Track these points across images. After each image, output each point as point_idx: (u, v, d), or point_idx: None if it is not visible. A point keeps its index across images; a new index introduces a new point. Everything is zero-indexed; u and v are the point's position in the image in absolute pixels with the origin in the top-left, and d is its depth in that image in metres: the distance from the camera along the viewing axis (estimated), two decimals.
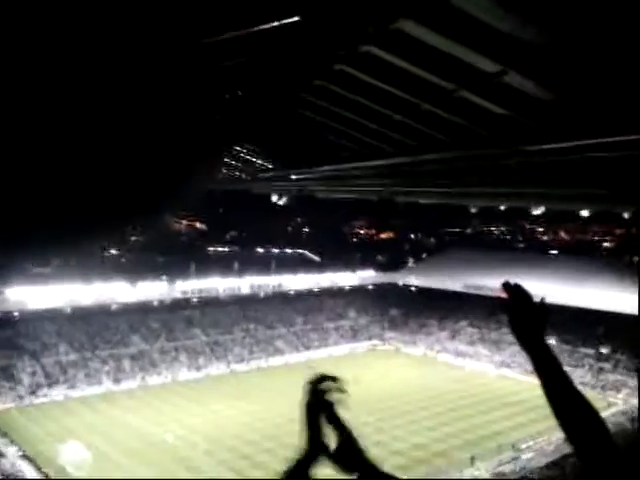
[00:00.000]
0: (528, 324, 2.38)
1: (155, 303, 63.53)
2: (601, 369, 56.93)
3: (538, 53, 4.83)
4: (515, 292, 2.47)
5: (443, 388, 55.12)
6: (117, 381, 54.39)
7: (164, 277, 64.03)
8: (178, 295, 64.61)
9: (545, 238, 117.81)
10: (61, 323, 58.09)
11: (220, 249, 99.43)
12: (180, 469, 35.54)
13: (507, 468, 37.27)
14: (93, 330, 59.51)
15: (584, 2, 4.12)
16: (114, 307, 60.62)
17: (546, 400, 2.29)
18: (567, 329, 63.59)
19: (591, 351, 60.33)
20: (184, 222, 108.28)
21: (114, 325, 60.96)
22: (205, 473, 35.47)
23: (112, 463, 36.24)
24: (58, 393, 50.80)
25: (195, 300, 66.21)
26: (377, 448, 40.01)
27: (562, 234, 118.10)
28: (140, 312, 62.62)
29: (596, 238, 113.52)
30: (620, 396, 52.06)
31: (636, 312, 54.64)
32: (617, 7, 4.01)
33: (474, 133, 6.96)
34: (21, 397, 49.01)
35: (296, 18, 5.08)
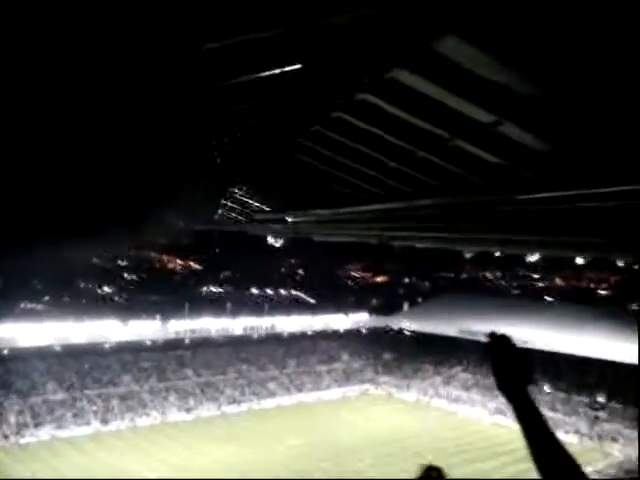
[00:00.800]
0: (509, 373, 2.41)
1: (147, 342, 62.87)
2: (597, 418, 56.23)
3: (534, 105, 4.88)
4: (497, 342, 2.47)
5: (437, 435, 54.31)
6: (105, 421, 53.42)
7: (157, 316, 63.56)
8: (171, 335, 64.01)
9: (540, 285, 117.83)
10: (51, 361, 57.33)
11: (214, 289, 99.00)
12: None
13: None
14: (83, 369, 58.73)
15: (581, 58, 4.18)
16: (105, 346, 59.94)
17: (526, 447, 2.30)
18: (561, 376, 63.14)
19: (586, 399, 59.69)
20: (179, 262, 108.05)
21: (105, 364, 60.22)
22: None
23: None
24: (45, 433, 49.83)
25: (187, 340, 65.59)
26: None
27: (557, 281, 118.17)
28: (132, 351, 61.97)
29: (591, 285, 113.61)
30: (616, 446, 51.31)
31: (631, 360, 54.38)
32: (613, 63, 4.07)
33: (469, 181, 6.99)
34: (6, 437, 48.03)
35: (297, 66, 5.16)
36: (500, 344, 2.45)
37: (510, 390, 2.39)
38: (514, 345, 2.46)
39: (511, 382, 2.39)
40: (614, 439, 52.50)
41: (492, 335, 2.48)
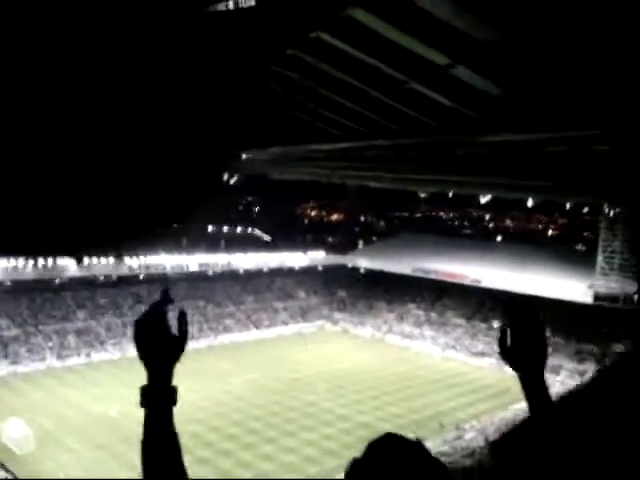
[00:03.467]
0: (525, 347, 2.13)
1: (102, 279, 62.39)
2: None
3: (487, 50, 4.93)
4: (518, 310, 2.17)
5: (391, 369, 56.09)
6: (61, 357, 53.36)
7: (112, 253, 62.84)
8: (125, 272, 63.59)
9: (491, 225, 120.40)
10: (2, 297, 56.48)
11: (173, 226, 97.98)
12: (124, 446, 35.28)
13: (450, 447, 38.30)
14: (36, 305, 58.11)
15: (535, 5, 4.23)
16: (58, 282, 59.26)
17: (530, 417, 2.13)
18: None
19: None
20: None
21: (58, 300, 59.66)
22: None
23: (56, 441, 35.70)
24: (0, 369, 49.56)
25: (142, 277, 65.32)
26: (324, 426, 40.59)
27: (508, 222, 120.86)
28: (86, 288, 61.48)
29: (540, 226, 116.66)
30: (558, 379, 53.98)
31: (575, 298, 56.72)
32: (564, 9, 4.12)
33: (422, 122, 7.05)
34: None
35: (252, 3, 5.06)
36: (521, 313, 2.16)
37: (523, 365, 2.11)
38: (537, 318, 2.16)
39: (526, 357, 2.11)
40: (557, 372, 55.18)
41: (512, 303, 2.17)
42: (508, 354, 2.16)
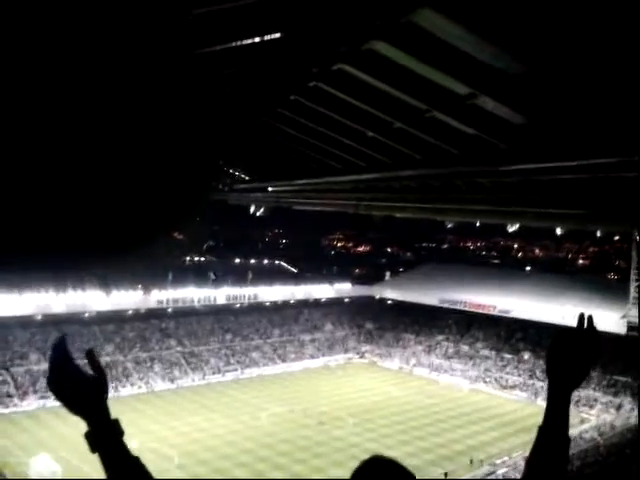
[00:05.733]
0: (574, 367, 2.06)
1: (130, 312, 62.85)
2: None
3: (509, 79, 4.90)
4: (585, 330, 2.10)
5: (419, 402, 55.21)
6: None
7: (139, 286, 63.38)
8: (153, 305, 64.00)
9: (520, 255, 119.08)
10: (33, 331, 57.16)
11: (197, 259, 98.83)
12: None
13: None
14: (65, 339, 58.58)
15: (556, 34, 4.20)
16: (87, 315, 59.84)
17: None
18: (541, 344, 64.23)
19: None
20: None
21: (87, 334, 60.15)
22: None
23: (83, 477, 35.63)
24: (29, 403, 49.88)
25: (170, 310, 65.65)
26: (352, 461, 39.91)
27: (537, 251, 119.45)
28: (114, 321, 61.95)
29: (570, 256, 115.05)
30: (593, 412, 52.58)
31: (608, 328, 55.42)
32: (586, 40, 4.09)
33: (446, 152, 7.03)
34: None
35: (277, 35, 5.13)
36: (586, 330, 2.09)
37: (561, 380, 2.05)
38: (599, 339, 2.09)
39: (569, 372, 2.05)
40: (591, 405, 53.76)
41: (582, 316, 2.10)
42: (553, 357, 2.10)
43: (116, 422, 2.05)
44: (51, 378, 2.05)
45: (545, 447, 2.01)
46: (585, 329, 2.11)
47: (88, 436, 2.04)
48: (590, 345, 2.10)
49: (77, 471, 36.18)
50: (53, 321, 57.26)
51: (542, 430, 2.04)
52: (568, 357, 2.08)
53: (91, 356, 2.08)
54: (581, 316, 2.13)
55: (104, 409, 2.05)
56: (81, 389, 2.03)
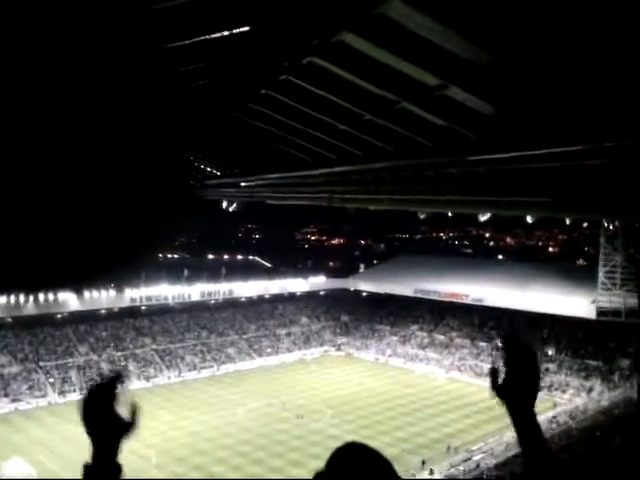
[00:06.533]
0: (518, 383, 2.09)
1: (103, 312, 62.19)
2: (547, 370, 58.42)
3: (479, 70, 4.95)
4: (514, 346, 2.13)
5: (395, 392, 55.63)
6: (63, 393, 52.92)
7: (112, 285, 62.68)
8: (127, 303, 63.39)
9: (492, 244, 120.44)
10: (2, 334, 56.21)
11: (169, 256, 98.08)
12: None
13: (458, 470, 37.84)
14: (37, 341, 57.81)
15: (524, 24, 4.25)
16: (59, 316, 59.03)
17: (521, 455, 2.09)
18: (513, 331, 65.06)
19: (537, 353, 61.64)
20: None
21: (60, 335, 59.36)
22: None
23: None
24: (1, 407, 49.08)
25: (144, 308, 65.10)
26: (329, 452, 39.99)
27: (508, 239, 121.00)
28: (88, 321, 61.23)
29: (540, 243, 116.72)
30: (565, 396, 53.53)
31: (578, 314, 56.46)
32: (555, 29, 4.15)
33: (417, 143, 7.07)
34: None
35: (246, 28, 5.10)
36: (517, 349, 2.12)
37: (516, 401, 2.09)
38: (533, 354, 2.14)
39: (519, 395, 2.09)
40: (563, 390, 54.72)
41: (510, 340, 2.14)
42: (501, 392, 2.12)
43: (119, 467, 2.06)
44: (89, 403, 2.11)
45: (534, 468, 2.02)
46: (519, 347, 2.13)
47: (87, 469, 2.03)
48: (530, 359, 2.12)
49: (53, 474, 35.76)
50: (24, 323, 56.41)
51: (525, 456, 2.05)
52: (517, 378, 2.10)
53: (136, 408, 2.10)
54: (506, 338, 2.16)
55: (117, 450, 2.06)
56: (111, 427, 2.06)
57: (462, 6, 4.13)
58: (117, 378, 2.15)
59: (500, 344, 2.18)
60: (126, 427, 2.08)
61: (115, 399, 2.09)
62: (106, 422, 2.06)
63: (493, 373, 2.13)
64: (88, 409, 2.10)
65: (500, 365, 2.14)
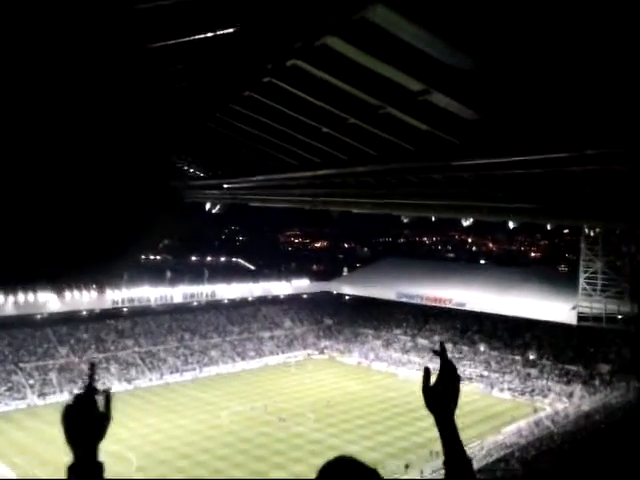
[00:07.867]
0: (441, 394, 2.33)
1: (84, 313, 61.62)
2: (529, 375, 58.80)
3: (462, 75, 4.95)
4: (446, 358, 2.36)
5: (378, 396, 55.68)
6: (43, 395, 52.34)
7: (93, 286, 62.11)
8: (108, 305, 62.86)
9: (474, 248, 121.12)
10: None
11: (152, 257, 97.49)
12: None
13: (441, 475, 37.91)
14: (17, 342, 57.14)
15: (507, 31, 4.26)
16: (39, 317, 58.39)
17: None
18: (496, 336, 65.53)
19: (519, 357, 62.11)
20: None
21: (40, 336, 58.74)
22: None
23: None
24: None
25: (126, 310, 64.61)
26: (313, 457, 40.00)
27: (490, 244, 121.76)
28: (68, 323, 60.64)
29: (522, 248, 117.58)
30: (547, 401, 53.90)
31: (559, 319, 56.88)
32: (538, 36, 4.16)
33: (400, 148, 7.07)
34: None
35: (230, 30, 5.06)
36: (447, 358, 2.36)
37: (440, 410, 2.32)
38: (452, 366, 2.37)
39: (442, 403, 2.33)
40: (545, 395, 55.09)
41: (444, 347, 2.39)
42: (428, 394, 2.35)
43: (101, 464, 2.08)
44: (72, 411, 2.12)
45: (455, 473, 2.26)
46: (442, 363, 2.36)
47: (71, 470, 2.05)
48: (450, 374, 2.35)
49: (31, 477, 35.32)
50: (3, 324, 55.71)
51: (447, 462, 2.31)
52: (440, 391, 2.33)
53: (108, 397, 2.13)
54: (443, 345, 2.41)
55: (96, 448, 2.09)
56: (90, 426, 2.09)
57: (445, 12, 4.13)
58: (91, 367, 2.20)
59: (439, 349, 2.41)
60: (102, 422, 2.10)
61: (95, 406, 2.10)
62: (86, 428, 2.08)
63: (426, 374, 2.37)
64: (70, 422, 2.11)
65: (433, 368, 2.35)
